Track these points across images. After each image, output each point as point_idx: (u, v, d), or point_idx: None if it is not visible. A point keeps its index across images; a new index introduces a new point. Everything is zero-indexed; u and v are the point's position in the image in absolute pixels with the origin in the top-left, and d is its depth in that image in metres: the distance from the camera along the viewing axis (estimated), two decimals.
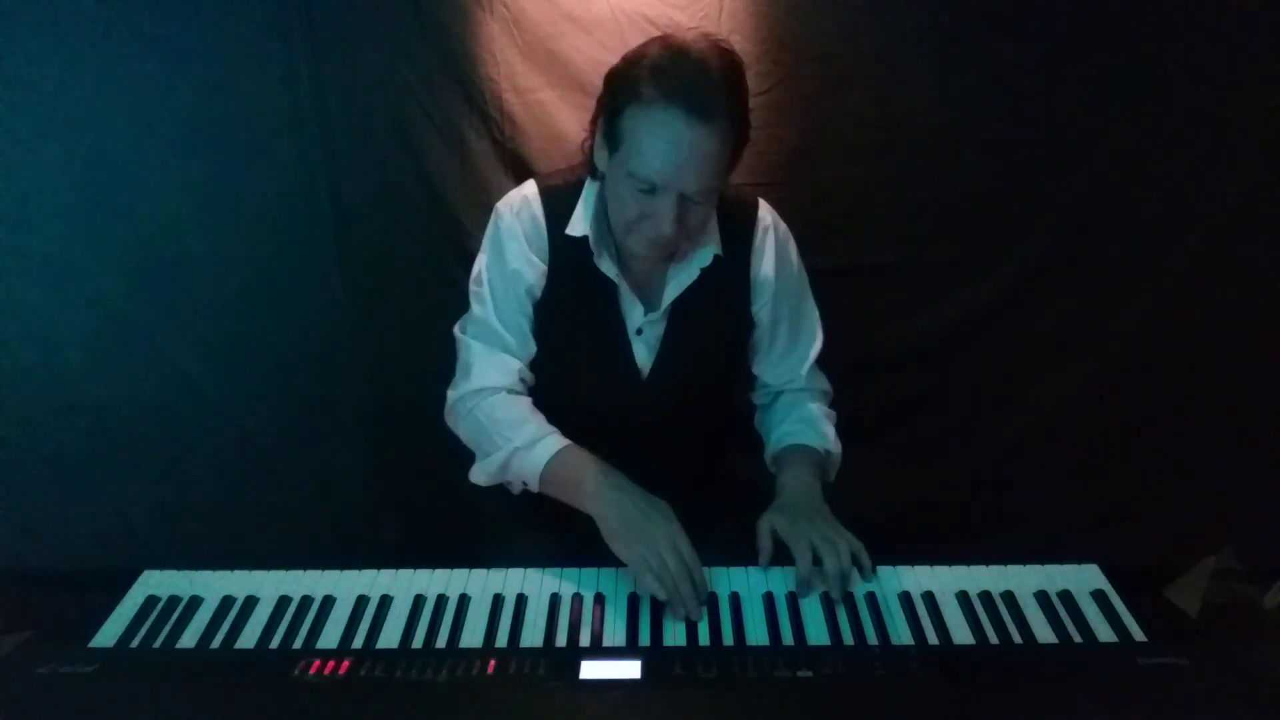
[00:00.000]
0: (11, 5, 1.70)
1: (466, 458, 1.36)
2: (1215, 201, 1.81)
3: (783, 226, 1.34)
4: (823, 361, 1.41)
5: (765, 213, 1.32)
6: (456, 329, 1.33)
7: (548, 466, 1.21)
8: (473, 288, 1.31)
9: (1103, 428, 2.01)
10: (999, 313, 1.92)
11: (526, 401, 1.29)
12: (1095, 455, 2.03)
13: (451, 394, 1.32)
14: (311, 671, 0.93)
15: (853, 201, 1.84)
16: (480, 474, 1.29)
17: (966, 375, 1.98)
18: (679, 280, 1.25)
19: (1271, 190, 1.80)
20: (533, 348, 1.30)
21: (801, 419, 1.37)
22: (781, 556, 1.16)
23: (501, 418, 1.25)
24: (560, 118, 1.78)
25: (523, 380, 1.31)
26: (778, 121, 1.77)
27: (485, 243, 1.31)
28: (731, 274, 1.28)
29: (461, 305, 1.34)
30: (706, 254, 1.24)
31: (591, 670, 0.92)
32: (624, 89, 1.09)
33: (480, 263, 1.31)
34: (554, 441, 1.23)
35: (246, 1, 1.71)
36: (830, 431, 1.36)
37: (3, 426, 2.03)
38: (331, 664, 0.94)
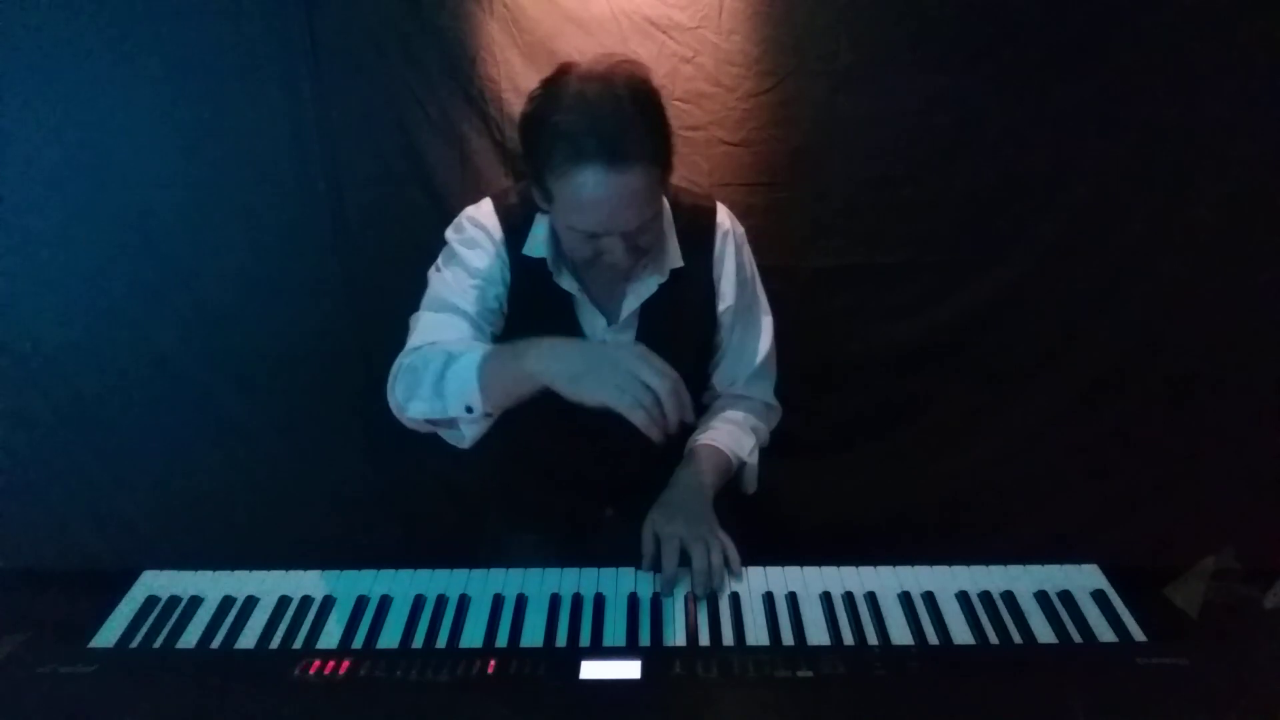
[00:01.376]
0: (12, 7, 1.70)
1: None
2: (1215, 201, 1.81)
3: (739, 229, 1.35)
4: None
5: (724, 217, 1.33)
6: (411, 317, 1.26)
7: (484, 360, 1.04)
8: (430, 273, 1.28)
9: (1102, 427, 2.00)
10: (998, 313, 1.92)
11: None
12: (1095, 455, 2.03)
13: (395, 362, 1.17)
14: (311, 671, 0.93)
15: (853, 201, 1.83)
16: (419, 405, 1.09)
17: (966, 375, 1.98)
18: (637, 293, 1.26)
19: (1271, 190, 1.80)
20: (493, 325, 1.24)
21: (723, 421, 1.38)
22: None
23: (433, 348, 1.12)
24: None
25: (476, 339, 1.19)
26: (778, 121, 1.77)
27: (448, 244, 1.27)
28: (695, 280, 1.29)
29: None
30: (666, 266, 1.25)
31: (591, 670, 0.92)
32: (540, 153, 1.06)
33: (441, 257, 1.28)
34: (489, 345, 1.10)
35: (247, 3, 1.71)
36: (748, 442, 1.36)
37: (2, 427, 2.03)
38: (331, 664, 0.94)
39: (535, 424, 1.36)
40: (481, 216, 1.26)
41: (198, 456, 2.06)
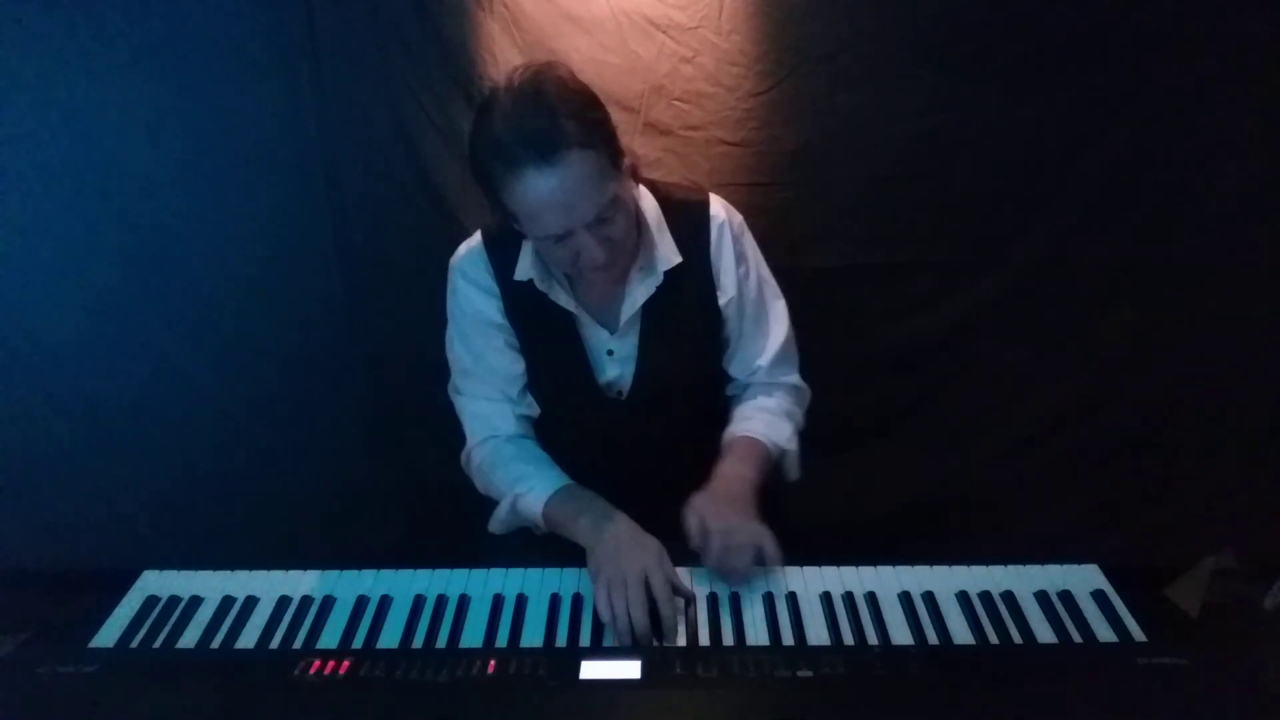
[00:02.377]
0: (11, 7, 1.70)
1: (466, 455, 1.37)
2: (1215, 201, 1.81)
3: (737, 218, 1.33)
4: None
5: (718, 208, 1.31)
6: (449, 389, 1.38)
7: (547, 505, 1.23)
8: (447, 353, 1.35)
9: (1103, 427, 2.00)
10: (998, 313, 1.92)
11: (528, 446, 1.33)
12: (1095, 455, 2.03)
13: (463, 454, 1.38)
14: (311, 671, 0.93)
15: (853, 201, 1.83)
16: (495, 523, 1.34)
17: (966, 375, 1.98)
18: (634, 297, 1.25)
19: (1271, 191, 1.80)
20: (521, 376, 1.32)
21: (758, 410, 1.35)
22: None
23: (503, 468, 1.30)
24: None
25: (519, 417, 1.33)
26: (778, 121, 1.77)
27: (448, 305, 1.33)
28: (693, 276, 1.28)
29: None
30: (659, 267, 1.24)
31: (591, 670, 0.92)
32: (486, 178, 1.10)
33: (449, 328, 1.34)
34: (551, 483, 1.25)
35: (247, 2, 1.71)
36: (784, 428, 1.34)
37: (3, 427, 2.03)
38: (331, 664, 0.94)
39: (542, 428, 1.37)
40: (468, 259, 1.30)
41: (198, 456, 2.06)
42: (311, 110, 1.78)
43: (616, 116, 1.15)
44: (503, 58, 1.73)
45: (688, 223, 1.28)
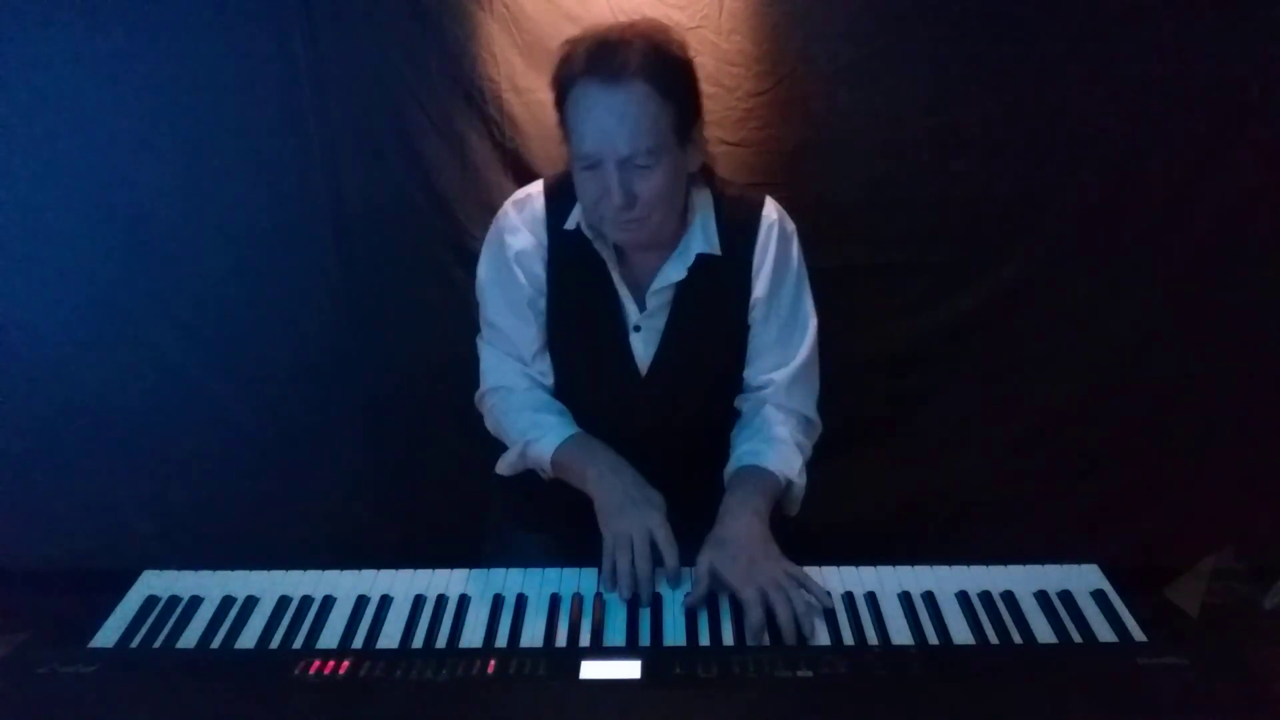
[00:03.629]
0: (11, 5, 1.70)
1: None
2: (1215, 200, 1.81)
3: (789, 225, 1.32)
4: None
5: (771, 209, 1.30)
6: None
7: (557, 451, 1.24)
8: (479, 271, 1.34)
9: (1102, 427, 2.01)
10: (998, 313, 1.92)
11: (539, 395, 1.32)
12: (1095, 455, 2.03)
13: (476, 394, 1.38)
14: (311, 671, 0.93)
15: (852, 201, 1.83)
16: (503, 465, 1.34)
17: (966, 375, 1.98)
18: (665, 276, 1.24)
19: (1271, 191, 1.80)
20: (538, 342, 1.31)
21: (767, 440, 1.28)
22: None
23: (514, 414, 1.31)
24: None
25: (531, 378, 1.33)
26: (778, 121, 1.77)
27: (486, 242, 1.32)
28: (733, 271, 1.27)
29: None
30: (690, 251, 1.23)
31: (591, 670, 0.92)
32: (557, 86, 1.15)
33: (480, 267, 1.33)
34: (562, 430, 1.26)
35: (246, 3, 1.71)
36: (795, 460, 1.28)
37: (3, 427, 2.03)
38: (331, 664, 0.94)
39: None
40: (530, 192, 1.30)
41: (198, 456, 2.06)
42: (311, 110, 1.78)
43: None
44: (503, 58, 1.73)
45: (738, 218, 1.27)
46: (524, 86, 1.75)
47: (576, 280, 1.28)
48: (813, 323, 1.33)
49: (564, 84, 1.13)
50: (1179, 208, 1.82)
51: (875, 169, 1.81)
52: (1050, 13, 1.69)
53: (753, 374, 1.35)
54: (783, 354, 1.32)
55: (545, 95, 1.75)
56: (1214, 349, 1.93)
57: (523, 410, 1.30)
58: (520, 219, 1.29)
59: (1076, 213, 1.84)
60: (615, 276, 1.26)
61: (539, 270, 1.28)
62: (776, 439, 1.28)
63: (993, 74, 1.74)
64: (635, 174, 1.11)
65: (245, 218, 1.87)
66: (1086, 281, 1.89)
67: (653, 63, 1.09)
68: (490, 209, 1.31)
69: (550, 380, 1.34)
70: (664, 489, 1.19)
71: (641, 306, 1.27)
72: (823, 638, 1.04)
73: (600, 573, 1.13)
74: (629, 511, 1.14)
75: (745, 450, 1.28)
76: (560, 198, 1.26)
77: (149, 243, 1.88)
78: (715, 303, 1.28)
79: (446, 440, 1.95)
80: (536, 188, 1.31)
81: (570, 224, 1.25)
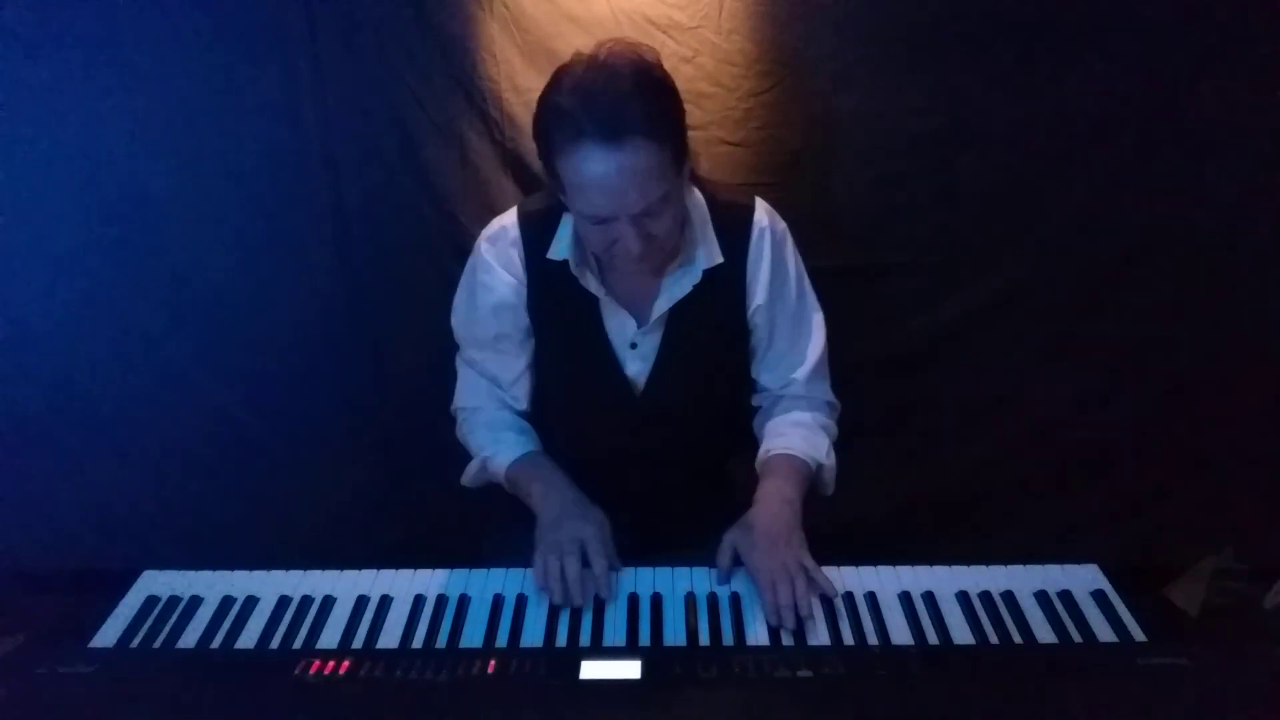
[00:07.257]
0: (11, 5, 1.70)
1: (467, 458, 1.37)
2: (1215, 201, 1.81)
3: (780, 226, 1.31)
4: (832, 375, 1.38)
5: (762, 214, 1.29)
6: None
7: (510, 469, 1.30)
8: (452, 317, 1.36)
9: (1103, 427, 2.00)
10: (998, 313, 1.92)
11: (505, 415, 1.36)
12: (1095, 455, 2.03)
13: (451, 405, 1.43)
14: (311, 671, 0.93)
15: (852, 201, 1.83)
16: (466, 476, 1.39)
17: (966, 375, 1.98)
18: (671, 293, 1.23)
19: (1271, 191, 1.80)
20: (516, 370, 1.33)
21: (794, 426, 1.31)
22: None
23: (480, 430, 1.36)
24: None
25: (503, 401, 1.36)
26: (778, 121, 1.77)
27: (463, 276, 1.33)
28: (728, 280, 1.26)
29: None
30: (698, 266, 1.22)
31: (591, 670, 0.92)
32: (543, 138, 1.10)
33: (456, 302, 1.34)
34: (515, 449, 1.31)
35: (247, 2, 1.71)
36: (823, 443, 1.32)
37: (2, 427, 2.03)
38: (331, 664, 0.94)
39: (548, 425, 1.37)
40: (504, 224, 1.28)
41: (198, 456, 2.05)
42: (312, 110, 1.78)
43: None
44: (503, 58, 1.73)
45: (730, 225, 1.26)
46: (524, 86, 1.75)
47: (564, 309, 1.26)
48: (818, 315, 1.36)
49: (556, 142, 1.07)
50: (1179, 208, 1.82)
51: (875, 169, 1.81)
52: (1051, 13, 1.69)
53: (770, 378, 1.36)
54: (798, 355, 1.34)
55: None
56: (1214, 349, 1.93)
57: (487, 428, 1.35)
58: (495, 258, 1.27)
59: (1076, 213, 1.84)
60: (609, 306, 1.26)
61: (521, 315, 1.28)
62: (801, 424, 1.33)
63: (993, 74, 1.73)
64: (648, 221, 1.11)
65: (245, 217, 1.86)
66: (1086, 282, 1.89)
67: (648, 112, 1.05)
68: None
69: (524, 405, 1.35)
70: (653, 511, 1.19)
71: (640, 322, 1.26)
72: (823, 638, 1.05)
73: (533, 576, 1.14)
74: (563, 525, 1.17)
75: (774, 439, 1.32)
76: (537, 228, 1.25)
77: (148, 243, 1.88)
78: (711, 312, 1.27)
79: (447, 440, 1.95)
80: (510, 218, 1.28)
81: (554, 254, 1.23)
